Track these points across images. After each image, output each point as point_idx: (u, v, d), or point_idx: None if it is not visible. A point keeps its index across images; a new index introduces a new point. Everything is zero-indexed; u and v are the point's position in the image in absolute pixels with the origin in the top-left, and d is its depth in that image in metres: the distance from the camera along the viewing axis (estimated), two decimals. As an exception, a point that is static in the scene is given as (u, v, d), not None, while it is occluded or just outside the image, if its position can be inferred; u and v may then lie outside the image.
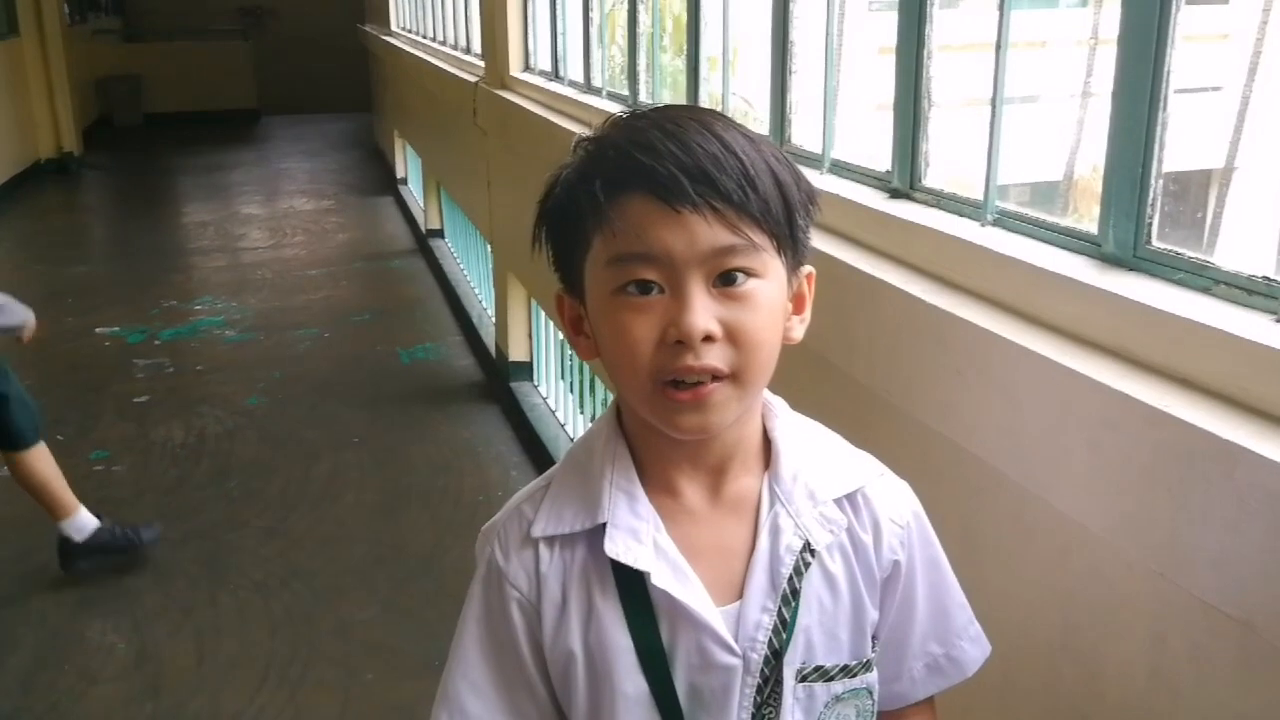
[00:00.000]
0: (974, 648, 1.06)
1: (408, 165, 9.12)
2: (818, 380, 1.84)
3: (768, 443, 0.95)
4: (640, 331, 0.84)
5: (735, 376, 0.85)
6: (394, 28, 9.63)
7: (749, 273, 0.85)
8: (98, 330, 5.61)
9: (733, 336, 0.84)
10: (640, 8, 3.19)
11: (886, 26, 1.89)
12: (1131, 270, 1.32)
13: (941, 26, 1.74)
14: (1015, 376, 1.34)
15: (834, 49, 2.01)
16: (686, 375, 0.83)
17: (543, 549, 0.94)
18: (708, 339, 0.83)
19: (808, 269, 0.94)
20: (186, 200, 9.89)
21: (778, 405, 0.98)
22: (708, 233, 0.82)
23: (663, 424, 0.87)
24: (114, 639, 2.96)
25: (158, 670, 2.83)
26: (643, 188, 0.83)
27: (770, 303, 0.86)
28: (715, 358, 0.83)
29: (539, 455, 4.00)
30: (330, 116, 13.89)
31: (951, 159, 1.88)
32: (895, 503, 0.99)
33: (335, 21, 13.56)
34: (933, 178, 1.79)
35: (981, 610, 1.43)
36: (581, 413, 4.05)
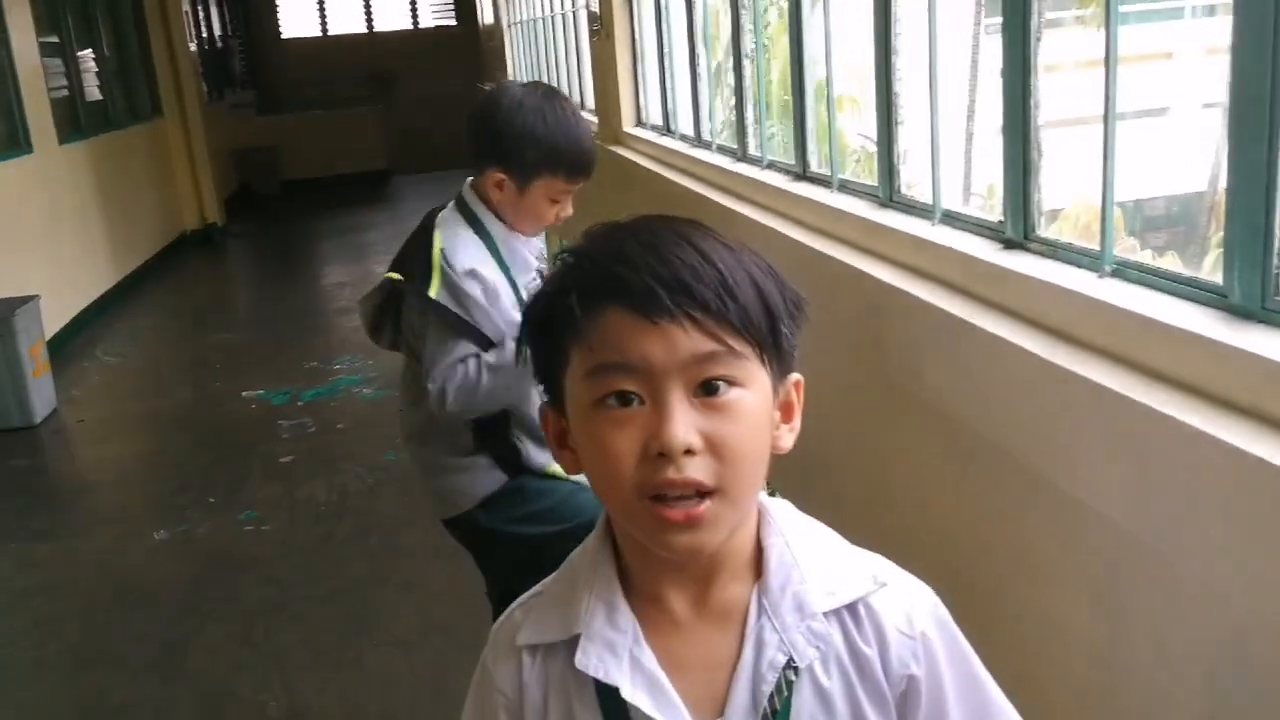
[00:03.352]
0: None
1: (528, 217, 9.31)
2: (938, 432, 1.82)
3: (762, 550, 0.91)
4: (621, 445, 0.82)
5: (721, 491, 0.82)
6: (510, 84, 9.91)
7: (731, 381, 0.82)
8: (244, 394, 5.88)
9: (715, 449, 0.81)
10: (745, 64, 3.23)
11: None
12: (1261, 323, 1.27)
13: (1047, 55, 1.71)
14: (1141, 436, 1.30)
15: (938, 105, 2.00)
16: (669, 490, 0.81)
17: (525, 656, 0.93)
18: (689, 452, 0.81)
19: (795, 376, 0.90)
20: (324, 262, 10.31)
21: (775, 511, 0.93)
22: (686, 341, 0.81)
23: (652, 543, 0.85)
24: (266, 697, 3.08)
25: (307, 726, 2.94)
26: (619, 300, 0.81)
27: (753, 412, 0.84)
28: (698, 471, 0.81)
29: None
30: (456, 173, 14.19)
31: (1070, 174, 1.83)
32: (905, 612, 0.91)
33: (456, 81, 14.03)
34: (1050, 194, 1.76)
35: (1119, 675, 1.39)
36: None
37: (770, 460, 0.88)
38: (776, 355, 0.86)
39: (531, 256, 2.16)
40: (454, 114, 15.75)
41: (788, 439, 0.91)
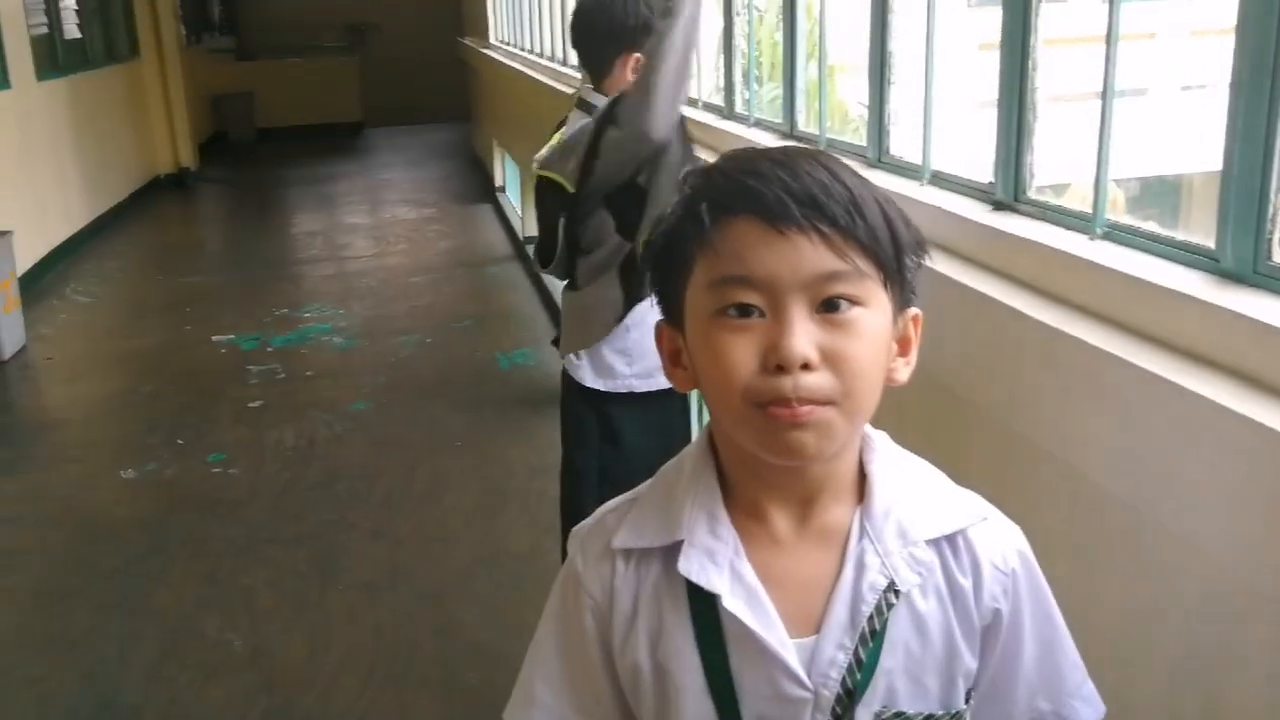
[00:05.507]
0: (1086, 708, 0.99)
1: (505, 173, 9.27)
2: (923, 390, 1.83)
3: (864, 477, 0.92)
4: (738, 354, 0.82)
5: (836, 405, 0.83)
6: (492, 41, 9.80)
7: (853, 300, 0.83)
8: (214, 338, 5.83)
9: (833, 364, 0.82)
10: (736, 20, 3.20)
11: (986, 21, 1.87)
12: (1252, 287, 1.28)
13: (1045, 24, 1.71)
14: (1128, 396, 1.31)
15: (933, 63, 2.00)
16: (782, 404, 0.82)
17: (619, 561, 0.94)
18: (806, 367, 0.81)
19: (914, 311, 0.91)
20: (296, 211, 10.22)
21: (878, 439, 0.95)
22: (813, 256, 0.81)
23: (761, 447, 0.85)
24: (230, 636, 3.08)
25: (271, 667, 2.94)
26: (749, 210, 0.82)
27: (874, 332, 0.84)
28: (814, 387, 0.82)
29: (636, 462, 4.03)
30: (430, 127, 14.20)
31: (1060, 154, 1.84)
32: (1000, 548, 0.93)
33: (435, 35, 13.85)
34: (1040, 172, 1.76)
35: (1095, 633, 1.40)
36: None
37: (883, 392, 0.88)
38: (899, 282, 0.87)
39: None
40: (430, 68, 15.63)
41: (903, 371, 0.91)
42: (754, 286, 0.82)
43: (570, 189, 2.17)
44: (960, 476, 1.00)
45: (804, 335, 0.81)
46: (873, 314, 0.84)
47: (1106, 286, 1.43)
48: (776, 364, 0.81)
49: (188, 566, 3.47)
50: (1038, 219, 1.69)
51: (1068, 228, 1.61)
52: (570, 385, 2.37)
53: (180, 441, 4.45)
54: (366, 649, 3.00)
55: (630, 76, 2.19)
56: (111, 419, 4.88)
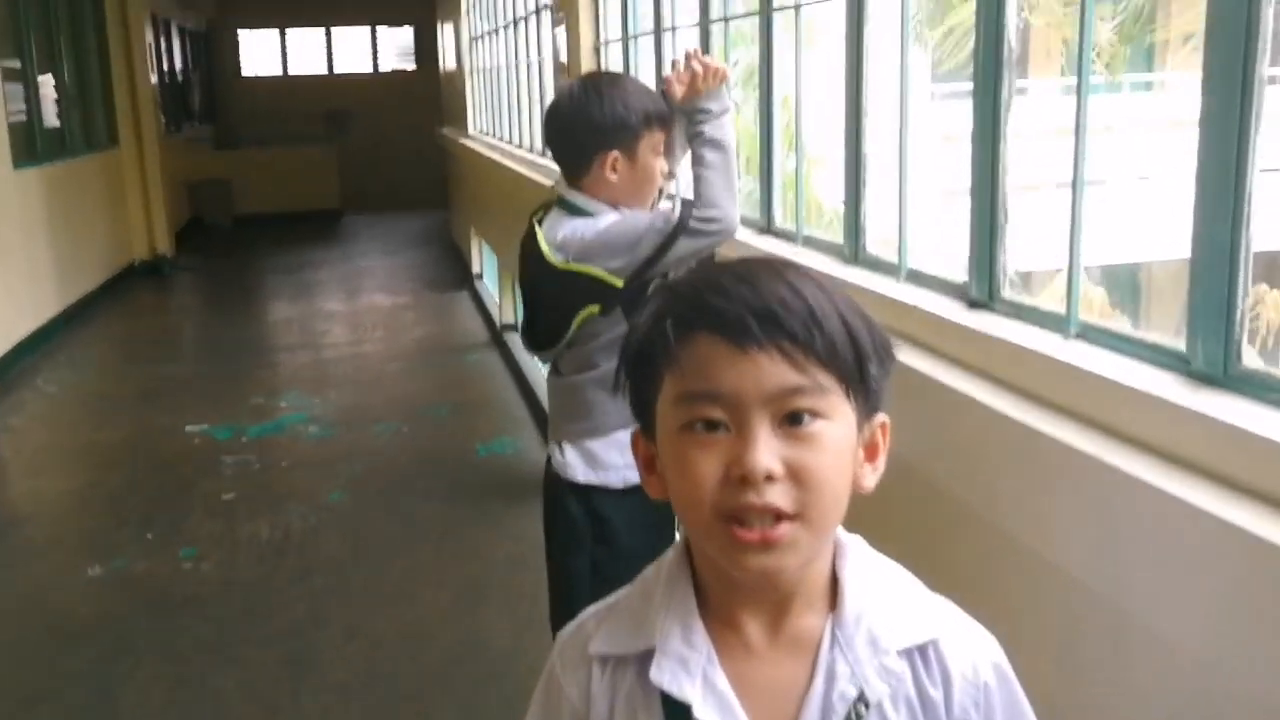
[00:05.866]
0: None
1: (483, 261, 9.33)
2: (903, 488, 1.83)
3: (837, 583, 0.93)
4: (705, 468, 0.85)
5: (801, 517, 0.85)
6: (471, 131, 9.95)
7: (815, 414, 0.85)
8: (188, 428, 5.77)
9: (797, 476, 0.84)
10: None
11: (950, 113, 1.92)
12: (1223, 389, 1.30)
13: (1013, 127, 1.75)
14: (1108, 496, 1.32)
15: (907, 163, 2.04)
16: (748, 514, 0.84)
17: (595, 667, 0.95)
18: (770, 478, 0.83)
19: (882, 418, 0.93)
20: (273, 298, 10.21)
21: (851, 544, 0.96)
22: (774, 372, 0.84)
23: (728, 563, 0.87)
24: (200, 742, 2.99)
25: (241, 774, 2.85)
26: (711, 327, 0.85)
27: (837, 445, 0.86)
28: (778, 497, 0.84)
29: (616, 553, 3.98)
30: (408, 214, 14.31)
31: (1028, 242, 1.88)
32: (972, 659, 0.93)
33: (414, 124, 14.05)
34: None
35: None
36: (658, 510, 4.04)
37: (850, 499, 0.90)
38: (863, 392, 0.88)
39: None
40: (408, 156, 15.76)
41: (870, 479, 0.93)
42: (718, 402, 0.85)
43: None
44: (940, 574, 1.00)
45: (767, 450, 0.84)
46: (835, 426, 0.86)
47: (1081, 387, 1.45)
48: (740, 476, 0.83)
49: (156, 669, 3.38)
50: (1012, 318, 1.72)
51: (1042, 326, 1.64)
52: (558, 484, 2.27)
53: (150, 536, 4.37)
54: (341, 754, 2.92)
55: (610, 175, 2.17)
56: (80, 513, 4.79)
